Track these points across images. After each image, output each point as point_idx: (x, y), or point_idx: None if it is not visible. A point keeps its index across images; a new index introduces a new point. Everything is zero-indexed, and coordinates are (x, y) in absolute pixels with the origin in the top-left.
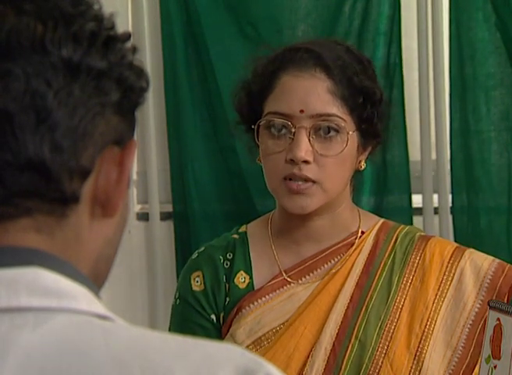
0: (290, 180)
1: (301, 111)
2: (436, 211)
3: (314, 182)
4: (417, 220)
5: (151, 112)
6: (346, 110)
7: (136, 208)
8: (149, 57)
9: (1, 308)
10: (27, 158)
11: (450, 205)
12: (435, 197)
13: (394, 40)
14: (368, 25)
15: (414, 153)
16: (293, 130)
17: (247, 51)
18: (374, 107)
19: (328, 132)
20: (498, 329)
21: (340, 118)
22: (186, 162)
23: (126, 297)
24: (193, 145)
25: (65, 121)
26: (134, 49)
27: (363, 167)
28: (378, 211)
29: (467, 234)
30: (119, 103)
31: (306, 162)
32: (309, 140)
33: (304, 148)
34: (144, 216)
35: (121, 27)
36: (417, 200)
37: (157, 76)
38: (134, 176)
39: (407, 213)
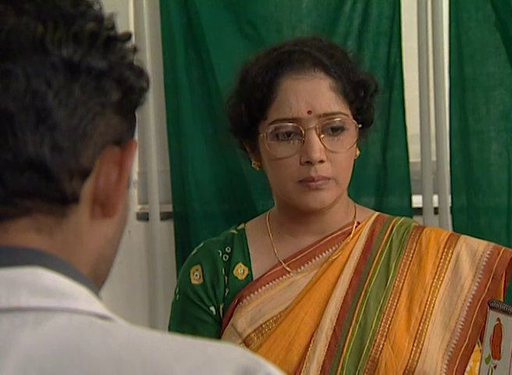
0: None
1: (309, 112)
2: (436, 211)
3: (329, 178)
4: (418, 220)
5: (151, 113)
6: (347, 105)
7: (137, 208)
8: (149, 57)
9: (1, 309)
10: (27, 158)
11: (450, 205)
12: (435, 197)
13: (394, 40)
14: (368, 25)
15: (414, 154)
16: (303, 132)
17: (247, 51)
18: (371, 98)
19: (336, 129)
20: (498, 329)
21: (344, 114)
22: (186, 163)
23: (126, 297)
24: (193, 145)
25: (65, 121)
26: (135, 49)
27: (357, 154)
28: (378, 211)
29: (467, 234)
30: (120, 103)
31: (321, 161)
32: (319, 139)
33: (318, 148)
34: (144, 216)
35: (121, 28)
36: (417, 200)
37: (157, 76)
38: (135, 177)
39: (408, 214)
